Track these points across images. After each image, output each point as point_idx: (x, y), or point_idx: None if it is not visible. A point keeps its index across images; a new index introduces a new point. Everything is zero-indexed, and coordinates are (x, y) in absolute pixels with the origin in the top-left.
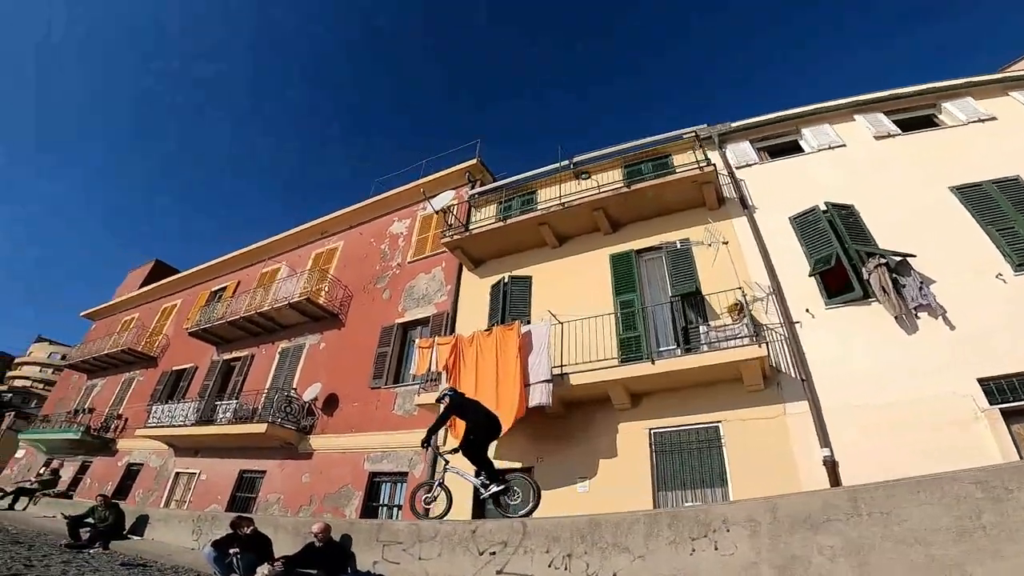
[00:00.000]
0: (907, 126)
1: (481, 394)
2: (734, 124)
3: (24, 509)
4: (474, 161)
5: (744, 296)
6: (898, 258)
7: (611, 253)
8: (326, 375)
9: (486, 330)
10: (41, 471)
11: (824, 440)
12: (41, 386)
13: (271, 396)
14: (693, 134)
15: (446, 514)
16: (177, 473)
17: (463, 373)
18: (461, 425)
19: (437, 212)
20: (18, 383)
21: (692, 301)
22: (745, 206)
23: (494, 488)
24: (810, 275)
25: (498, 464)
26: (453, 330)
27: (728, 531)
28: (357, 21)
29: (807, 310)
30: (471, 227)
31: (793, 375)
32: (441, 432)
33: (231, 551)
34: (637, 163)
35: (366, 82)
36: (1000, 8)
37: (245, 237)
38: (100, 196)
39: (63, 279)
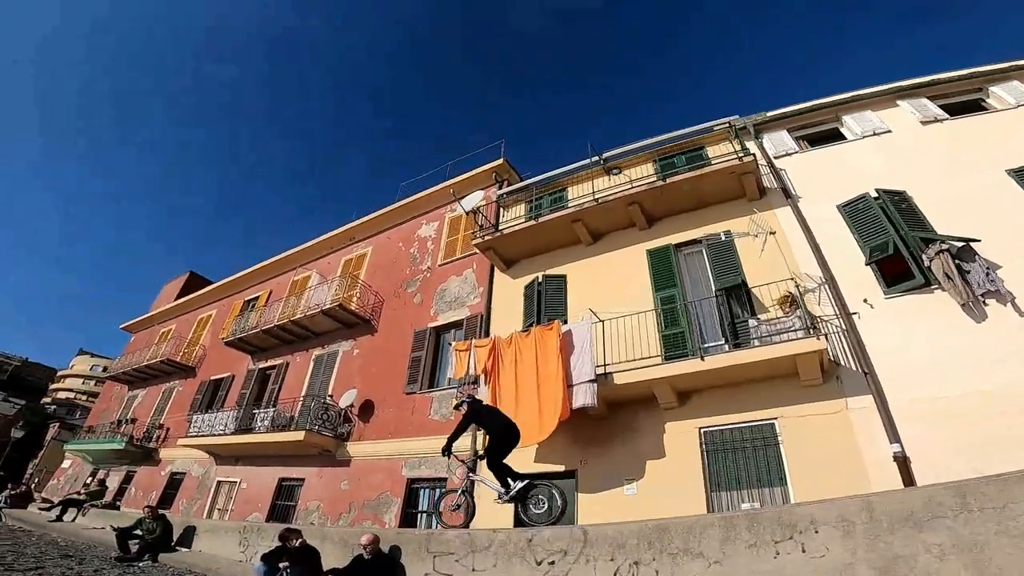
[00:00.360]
0: (953, 111)
1: (522, 397)
2: (770, 113)
3: (73, 520)
4: (500, 161)
5: (798, 287)
6: (960, 243)
7: (648, 248)
8: (361, 381)
9: (524, 330)
10: (88, 481)
11: (893, 435)
12: (84, 397)
13: (307, 403)
14: (726, 125)
15: (470, 522)
16: (219, 482)
17: (502, 376)
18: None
19: (468, 213)
20: (62, 395)
21: (736, 295)
22: (788, 195)
23: (514, 490)
24: (867, 263)
25: (540, 468)
26: (488, 332)
27: (817, 532)
28: (386, 28)
29: (865, 300)
30: (501, 227)
31: (854, 368)
32: (467, 439)
33: (281, 565)
34: (670, 156)
35: (391, 86)
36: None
37: (273, 243)
38: (139, 206)
39: (104, 293)
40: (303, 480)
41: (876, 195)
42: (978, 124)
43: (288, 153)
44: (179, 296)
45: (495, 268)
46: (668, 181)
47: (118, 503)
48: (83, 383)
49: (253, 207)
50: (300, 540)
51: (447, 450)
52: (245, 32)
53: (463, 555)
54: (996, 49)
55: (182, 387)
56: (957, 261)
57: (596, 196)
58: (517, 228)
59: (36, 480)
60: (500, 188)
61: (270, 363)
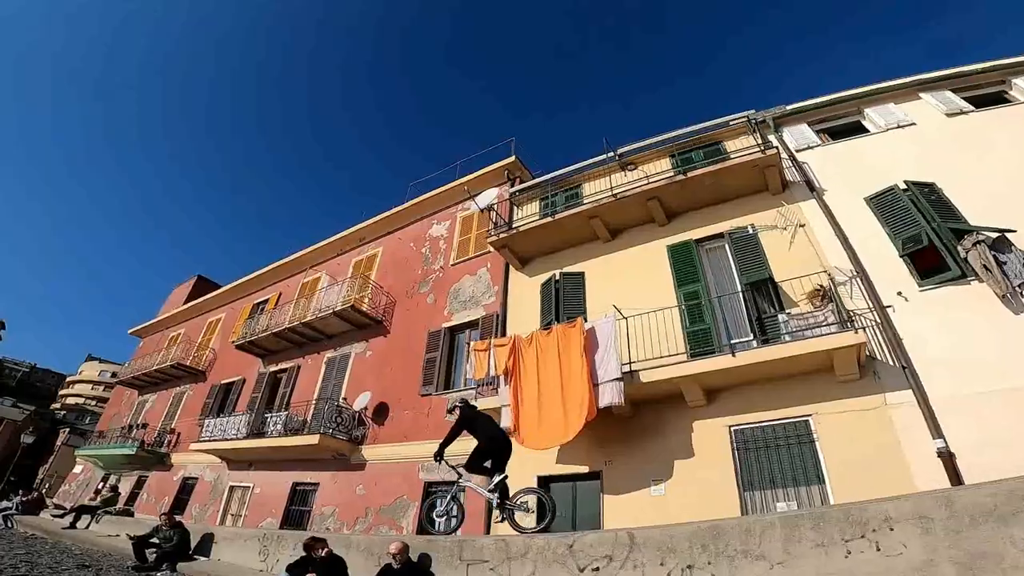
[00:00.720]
0: (978, 103)
1: (545, 397)
2: (789, 107)
3: (87, 527)
4: (512, 159)
5: (832, 280)
6: (995, 234)
7: (668, 244)
8: (374, 384)
9: (545, 329)
10: (99, 486)
11: (936, 431)
12: (93, 403)
13: (320, 407)
14: (744, 119)
15: (458, 528)
16: (232, 487)
17: (524, 376)
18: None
19: (482, 210)
20: (71, 400)
21: (763, 290)
22: (812, 188)
23: (496, 482)
24: (901, 256)
25: (564, 469)
26: (504, 331)
27: (892, 529)
28: (396, 30)
29: (899, 293)
30: (516, 225)
31: (891, 362)
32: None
33: None
34: (687, 151)
35: (399, 88)
36: None
37: (282, 246)
38: (146, 209)
39: (109, 300)
40: (317, 485)
41: (905, 187)
42: (1005, 115)
43: (298, 154)
44: (188, 300)
45: (510, 266)
46: (689, 175)
47: (132, 510)
48: (92, 388)
49: (261, 209)
50: (326, 550)
51: (439, 455)
52: (250, 36)
53: (498, 563)
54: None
55: (192, 391)
56: (993, 252)
57: (615, 191)
58: (533, 225)
59: (47, 486)
60: (512, 186)
61: (281, 366)
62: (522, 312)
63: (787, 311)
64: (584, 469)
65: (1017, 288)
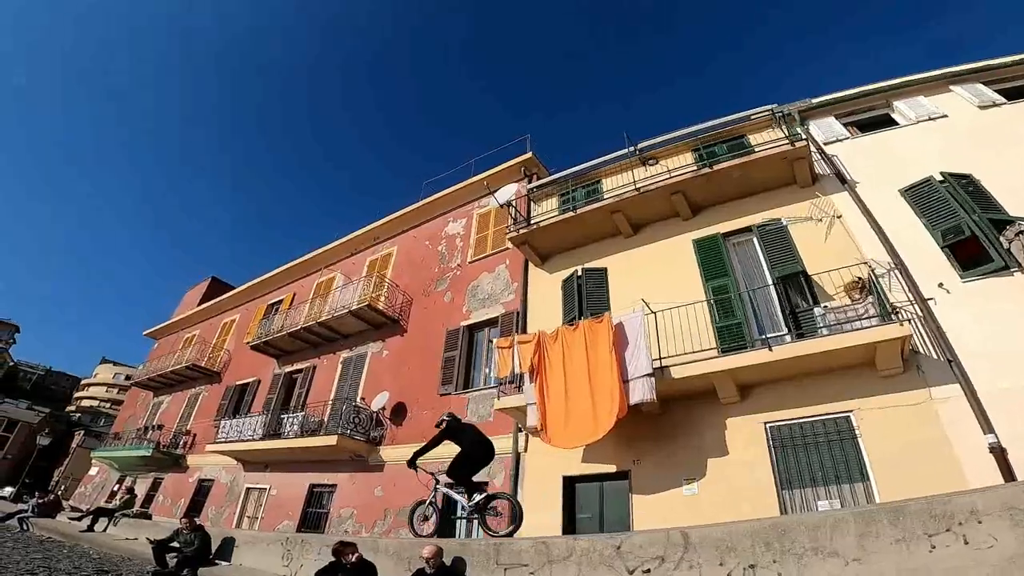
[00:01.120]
0: (1010, 95)
1: (572, 394)
2: (815, 100)
3: (104, 530)
4: (528, 155)
5: (873, 272)
6: None
7: (694, 238)
8: (392, 383)
9: (571, 324)
10: (115, 488)
11: (988, 425)
12: (108, 405)
13: (337, 407)
14: (768, 112)
15: (436, 532)
16: (248, 489)
17: (550, 373)
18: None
19: (502, 206)
20: (86, 403)
21: (795, 283)
22: (844, 181)
23: (475, 500)
24: (942, 247)
25: (589, 469)
26: (525, 329)
27: (980, 523)
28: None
29: (940, 285)
30: (536, 220)
31: (935, 356)
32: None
33: None
34: (710, 145)
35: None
36: None
37: (283, 247)
38: (155, 211)
39: (120, 301)
40: (335, 486)
41: (942, 178)
42: None
43: (308, 155)
44: (202, 301)
45: (529, 263)
46: (716, 168)
47: (150, 512)
48: (106, 391)
49: (262, 210)
50: (356, 555)
51: (412, 463)
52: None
53: (538, 566)
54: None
55: (208, 392)
56: None
57: (638, 185)
58: (554, 221)
59: (63, 488)
60: (529, 183)
61: (296, 367)
62: (543, 309)
63: (823, 304)
64: (611, 468)
65: None
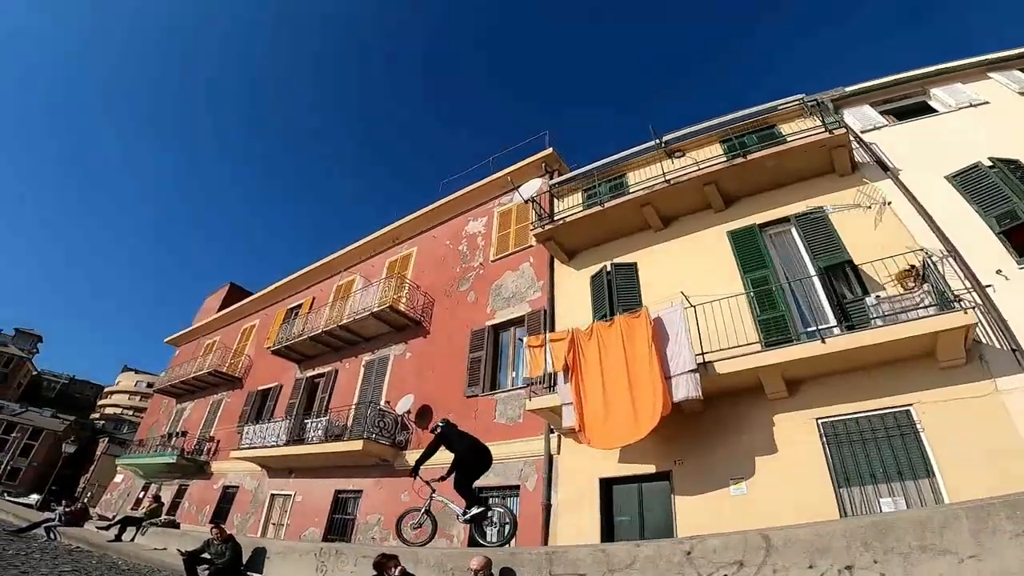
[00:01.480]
0: None
1: (611, 393)
2: (849, 88)
3: (132, 540)
4: (548, 151)
5: (930, 258)
6: None
7: (729, 230)
8: (416, 386)
9: (606, 320)
10: (140, 495)
11: None
12: (131, 412)
13: (361, 411)
14: (798, 102)
15: (430, 541)
16: (272, 495)
17: (586, 371)
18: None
19: (526, 201)
20: (109, 411)
21: (839, 273)
22: (886, 168)
23: (472, 512)
24: (998, 233)
25: (627, 470)
26: (553, 327)
27: None
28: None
29: (999, 271)
30: (562, 216)
31: (998, 345)
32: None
33: None
34: (740, 135)
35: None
36: None
37: (312, 250)
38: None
39: (140, 309)
40: (361, 492)
41: (990, 163)
42: None
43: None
44: (221, 308)
45: (555, 260)
46: (750, 158)
47: (178, 521)
48: (129, 399)
49: (263, 212)
50: (400, 568)
51: (415, 472)
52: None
53: None
54: None
55: (230, 398)
56: None
57: (668, 177)
58: (581, 215)
59: (89, 495)
60: (551, 178)
61: (318, 371)
62: (571, 306)
63: (875, 294)
64: (650, 469)
65: None
